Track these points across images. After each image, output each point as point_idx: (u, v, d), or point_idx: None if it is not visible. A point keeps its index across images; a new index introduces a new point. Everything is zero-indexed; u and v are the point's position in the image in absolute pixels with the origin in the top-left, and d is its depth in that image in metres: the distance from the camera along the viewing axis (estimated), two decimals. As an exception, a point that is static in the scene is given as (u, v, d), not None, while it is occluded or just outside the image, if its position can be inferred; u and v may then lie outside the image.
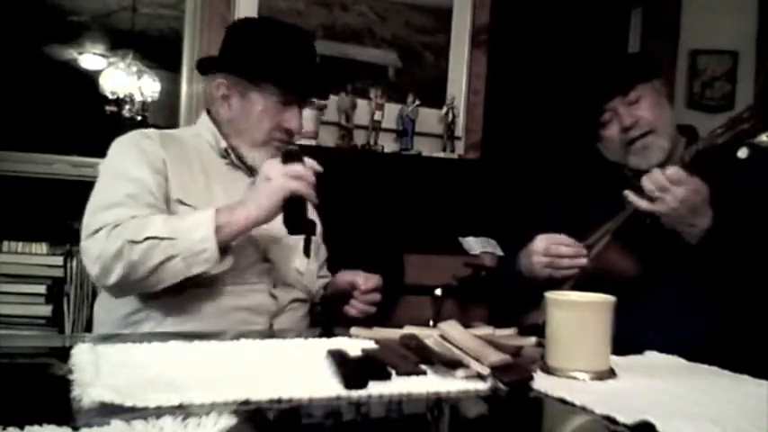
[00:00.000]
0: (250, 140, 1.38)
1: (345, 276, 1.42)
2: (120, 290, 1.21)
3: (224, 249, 1.20)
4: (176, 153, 1.33)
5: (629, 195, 1.26)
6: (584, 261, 1.35)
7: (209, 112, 1.44)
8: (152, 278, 1.18)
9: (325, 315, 1.49)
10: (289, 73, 1.36)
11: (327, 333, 1.06)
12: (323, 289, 1.51)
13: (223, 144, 1.39)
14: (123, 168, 1.27)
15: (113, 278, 1.17)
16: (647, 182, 1.22)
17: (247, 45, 1.38)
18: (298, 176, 1.21)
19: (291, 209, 1.21)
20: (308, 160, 1.28)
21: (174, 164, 1.30)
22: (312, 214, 1.52)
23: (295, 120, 1.39)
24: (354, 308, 1.38)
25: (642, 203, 1.24)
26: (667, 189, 1.20)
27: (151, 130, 1.37)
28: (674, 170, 1.20)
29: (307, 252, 1.38)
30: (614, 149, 1.49)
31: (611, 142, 1.48)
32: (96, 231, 1.19)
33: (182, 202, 1.28)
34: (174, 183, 1.29)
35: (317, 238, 1.48)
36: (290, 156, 1.25)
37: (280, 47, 1.37)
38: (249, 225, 1.21)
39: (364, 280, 1.37)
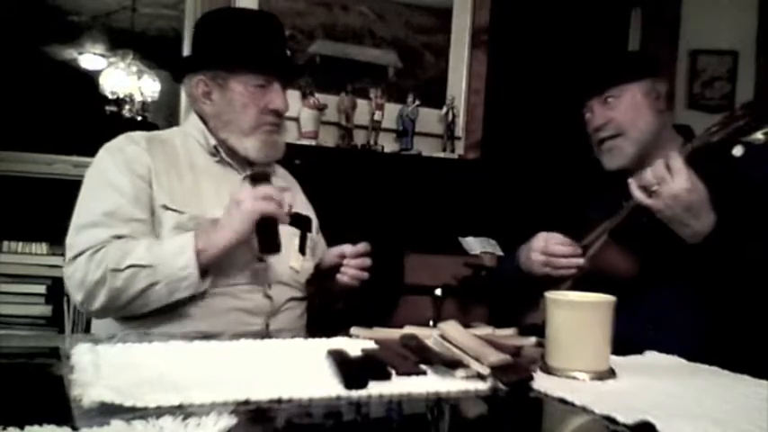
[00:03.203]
0: (239, 130, 1.38)
1: (332, 251, 1.42)
2: (105, 314, 1.25)
3: (204, 271, 1.23)
4: (164, 156, 1.34)
5: (632, 185, 1.24)
6: (580, 262, 1.35)
7: (196, 111, 1.45)
8: (135, 304, 1.21)
9: (317, 295, 1.48)
10: (262, 55, 1.38)
11: (326, 330, 1.06)
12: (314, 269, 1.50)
13: (212, 141, 1.40)
14: (106, 178, 1.28)
15: (98, 304, 1.21)
16: (648, 174, 1.21)
17: (217, 37, 1.39)
18: (266, 197, 1.24)
19: (263, 230, 1.26)
20: (275, 180, 1.33)
21: (160, 168, 1.31)
22: (308, 210, 1.53)
23: (279, 99, 1.39)
24: (345, 274, 1.37)
25: (640, 196, 1.22)
26: (664, 179, 1.18)
27: (138, 134, 1.37)
28: (674, 158, 1.18)
29: (302, 249, 1.39)
30: (593, 146, 1.51)
31: (590, 139, 1.51)
32: (77, 256, 1.22)
33: (167, 207, 1.28)
34: (160, 188, 1.29)
35: (312, 235, 1.48)
36: (257, 178, 1.29)
37: (248, 32, 1.38)
38: (226, 248, 1.24)
39: (351, 247, 1.38)
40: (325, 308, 1.49)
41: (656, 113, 1.45)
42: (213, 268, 1.25)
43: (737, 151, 1.16)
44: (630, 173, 1.49)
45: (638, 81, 1.46)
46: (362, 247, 1.37)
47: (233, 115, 1.37)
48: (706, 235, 1.20)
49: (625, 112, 1.44)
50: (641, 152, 1.45)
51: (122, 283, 1.19)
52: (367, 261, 1.38)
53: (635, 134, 1.44)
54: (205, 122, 1.42)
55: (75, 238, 1.24)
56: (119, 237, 1.23)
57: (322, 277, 1.44)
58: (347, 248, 1.38)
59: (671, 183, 1.17)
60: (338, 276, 1.37)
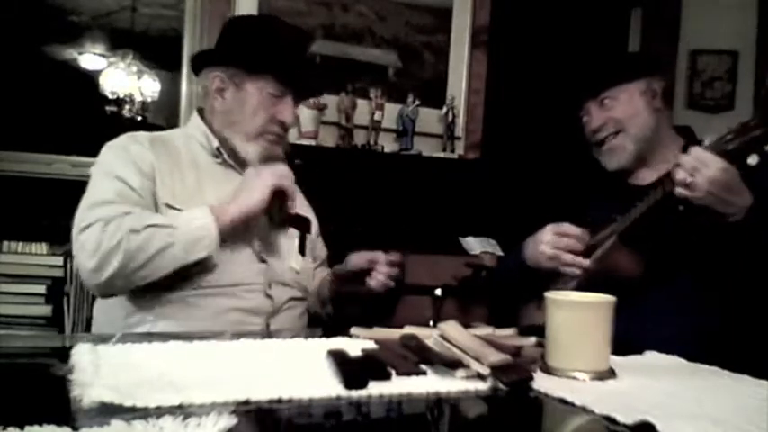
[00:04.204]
0: (243, 133, 1.39)
1: (363, 255, 1.41)
2: (111, 285, 1.20)
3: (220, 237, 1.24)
4: (166, 156, 1.34)
5: (669, 186, 1.24)
6: (586, 262, 1.34)
7: (200, 113, 1.45)
8: (148, 267, 1.18)
9: (336, 313, 1.49)
10: (286, 64, 1.38)
11: (328, 330, 1.06)
12: (331, 275, 1.50)
13: (215, 143, 1.40)
14: (113, 170, 1.28)
15: (109, 270, 1.17)
16: (680, 172, 1.20)
17: (245, 37, 1.40)
18: (284, 174, 1.32)
19: (276, 203, 1.33)
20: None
21: (163, 168, 1.31)
22: (308, 212, 1.53)
23: (288, 112, 1.40)
24: (376, 279, 1.37)
25: (680, 191, 1.21)
26: (697, 168, 1.17)
27: (141, 134, 1.37)
28: (696, 150, 1.19)
29: (302, 250, 1.39)
30: (592, 149, 1.53)
31: (587, 140, 1.52)
32: (89, 225, 1.19)
33: (170, 206, 1.28)
34: (163, 187, 1.30)
35: (312, 236, 1.48)
36: (274, 158, 1.37)
37: (277, 40, 1.39)
38: (242, 215, 1.28)
39: (384, 255, 1.39)
40: (339, 310, 1.49)
41: (653, 112, 1.46)
42: (230, 247, 1.28)
43: (752, 160, 1.16)
44: (631, 173, 1.49)
45: (634, 81, 1.46)
46: (396, 256, 1.39)
47: (241, 117, 1.38)
48: (749, 207, 1.19)
49: (622, 111, 1.45)
50: (641, 150, 1.45)
51: (139, 243, 1.17)
52: (398, 271, 1.39)
53: (634, 131, 1.45)
54: (208, 123, 1.42)
55: (87, 213, 1.22)
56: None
57: (345, 280, 1.44)
58: (381, 256, 1.39)
59: (705, 169, 1.17)
60: (368, 280, 1.38)
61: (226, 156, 1.40)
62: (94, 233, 1.18)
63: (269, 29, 1.42)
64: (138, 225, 1.18)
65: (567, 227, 1.37)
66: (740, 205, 1.19)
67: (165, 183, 1.30)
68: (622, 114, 1.45)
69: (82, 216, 1.23)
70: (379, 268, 1.38)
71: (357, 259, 1.42)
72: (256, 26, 1.44)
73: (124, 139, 1.35)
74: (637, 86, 1.46)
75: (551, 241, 1.36)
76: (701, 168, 1.17)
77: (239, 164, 1.41)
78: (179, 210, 1.28)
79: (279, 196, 1.31)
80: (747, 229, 1.20)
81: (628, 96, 1.45)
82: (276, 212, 1.34)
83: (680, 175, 1.19)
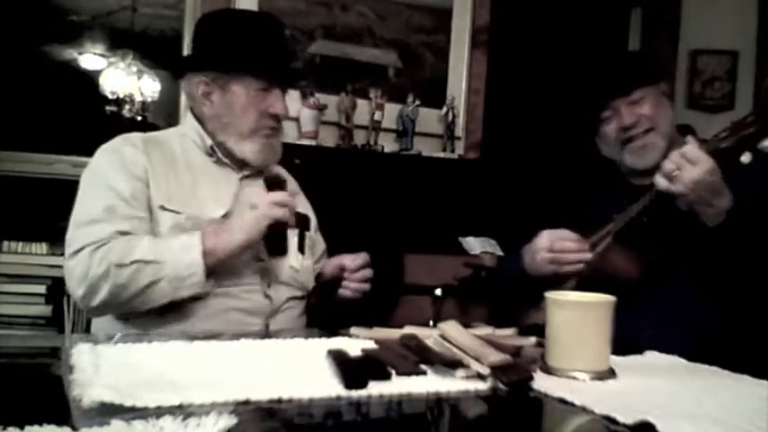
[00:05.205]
0: (237, 133, 1.37)
1: (332, 262, 1.42)
2: (105, 310, 1.24)
3: (210, 272, 1.23)
4: (160, 157, 1.34)
5: (657, 178, 1.24)
6: (588, 256, 1.34)
7: (193, 111, 1.44)
8: (137, 300, 1.20)
9: (320, 307, 1.49)
10: (265, 60, 1.37)
11: (327, 330, 1.06)
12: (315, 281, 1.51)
13: (209, 142, 1.39)
14: (103, 178, 1.28)
15: (99, 299, 1.19)
16: (667, 163, 1.21)
17: (220, 39, 1.38)
18: (280, 203, 1.26)
19: (272, 233, 1.28)
20: (288, 184, 1.37)
21: (157, 169, 1.31)
22: (306, 208, 1.53)
23: (279, 104, 1.39)
24: (348, 288, 1.38)
25: (662, 182, 1.22)
26: (683, 165, 1.18)
27: (135, 135, 1.37)
28: (690, 148, 1.19)
29: (301, 248, 1.39)
30: (611, 146, 1.50)
31: (608, 138, 1.49)
32: (79, 251, 1.21)
33: (165, 208, 1.28)
34: (157, 189, 1.29)
35: (311, 233, 1.48)
36: (273, 184, 1.32)
37: (252, 36, 1.38)
38: (235, 251, 1.25)
39: (351, 260, 1.38)
40: (327, 317, 1.49)
41: (671, 112, 1.48)
42: (218, 269, 1.25)
43: (746, 158, 1.16)
44: (646, 173, 1.48)
45: (656, 84, 1.48)
46: (362, 258, 1.38)
47: (232, 118, 1.37)
48: (728, 210, 1.20)
49: (653, 109, 1.45)
50: (669, 148, 1.44)
51: (126, 279, 1.18)
52: (368, 272, 1.38)
53: (664, 128, 1.45)
54: (202, 123, 1.41)
55: (76, 233, 1.23)
56: (121, 233, 1.23)
57: (323, 290, 1.44)
58: (347, 260, 1.38)
59: (693, 167, 1.17)
60: (341, 291, 1.38)
61: (220, 154, 1.40)
62: (83, 260, 1.19)
63: (240, 25, 1.39)
64: (125, 259, 1.18)
65: (563, 232, 1.37)
66: (720, 207, 1.20)
67: (159, 185, 1.30)
68: (654, 112, 1.45)
69: (71, 237, 1.24)
70: (348, 276, 1.38)
71: (328, 268, 1.42)
72: (228, 25, 1.40)
73: (117, 142, 1.34)
74: (659, 87, 1.48)
75: (548, 246, 1.36)
76: (688, 165, 1.18)
77: (235, 162, 1.41)
78: (174, 211, 1.28)
79: (277, 226, 1.28)
80: (729, 230, 1.21)
81: (655, 95, 1.46)
82: (275, 242, 1.31)
83: (667, 165, 1.20)
